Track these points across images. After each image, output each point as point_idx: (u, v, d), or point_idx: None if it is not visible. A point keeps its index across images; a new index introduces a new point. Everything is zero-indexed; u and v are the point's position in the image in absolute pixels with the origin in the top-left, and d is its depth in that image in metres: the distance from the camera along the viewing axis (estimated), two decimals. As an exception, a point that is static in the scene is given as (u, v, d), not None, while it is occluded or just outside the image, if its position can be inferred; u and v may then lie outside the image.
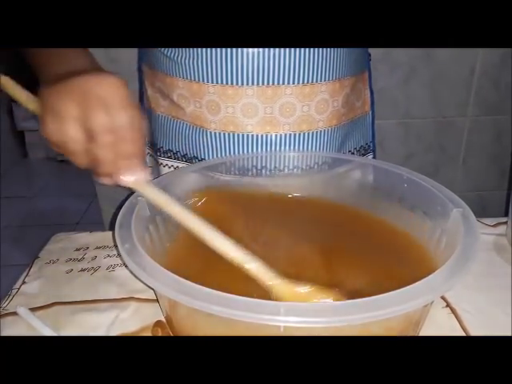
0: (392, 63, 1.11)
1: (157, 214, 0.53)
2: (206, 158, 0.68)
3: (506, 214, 0.62)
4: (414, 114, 1.20)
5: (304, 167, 0.65)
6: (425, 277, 0.39)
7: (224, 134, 0.65)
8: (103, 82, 0.39)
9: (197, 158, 0.69)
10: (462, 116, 1.22)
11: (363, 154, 0.76)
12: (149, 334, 0.47)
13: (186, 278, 0.38)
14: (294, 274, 0.46)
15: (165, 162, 0.72)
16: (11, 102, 2.57)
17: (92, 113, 0.38)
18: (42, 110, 0.40)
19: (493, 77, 1.17)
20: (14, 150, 2.63)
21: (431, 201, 0.53)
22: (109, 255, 0.60)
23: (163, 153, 0.72)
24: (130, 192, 0.52)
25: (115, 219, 0.48)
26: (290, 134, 0.65)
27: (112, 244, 0.62)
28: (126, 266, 0.56)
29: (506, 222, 0.63)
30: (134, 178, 0.42)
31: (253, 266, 0.41)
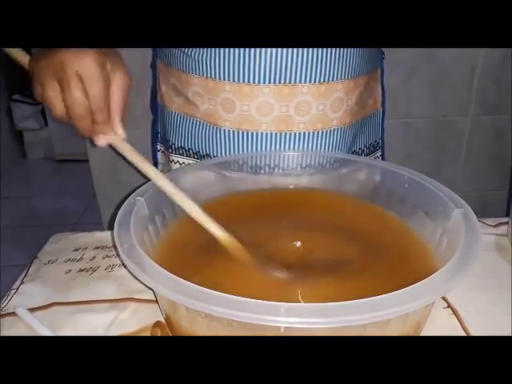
0: (392, 62, 1.10)
1: (156, 214, 0.53)
2: (219, 155, 0.68)
3: (508, 214, 0.62)
4: (415, 113, 1.20)
5: (316, 166, 0.65)
6: (426, 277, 0.38)
7: (238, 132, 0.65)
8: (77, 58, 0.45)
9: (209, 155, 0.69)
10: (462, 116, 1.21)
11: (372, 152, 0.76)
12: (148, 334, 0.47)
13: (186, 279, 0.38)
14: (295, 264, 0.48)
15: (176, 159, 0.72)
16: (10, 101, 2.57)
17: (67, 88, 0.45)
18: (31, 77, 0.48)
19: (494, 76, 1.16)
20: (12, 149, 2.62)
21: (432, 201, 0.52)
22: (108, 255, 0.60)
23: (175, 150, 0.72)
24: (129, 192, 0.52)
25: (114, 219, 0.47)
26: (305, 133, 0.65)
27: (111, 244, 0.62)
28: (124, 267, 0.56)
29: (507, 222, 0.63)
30: (109, 139, 0.50)
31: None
